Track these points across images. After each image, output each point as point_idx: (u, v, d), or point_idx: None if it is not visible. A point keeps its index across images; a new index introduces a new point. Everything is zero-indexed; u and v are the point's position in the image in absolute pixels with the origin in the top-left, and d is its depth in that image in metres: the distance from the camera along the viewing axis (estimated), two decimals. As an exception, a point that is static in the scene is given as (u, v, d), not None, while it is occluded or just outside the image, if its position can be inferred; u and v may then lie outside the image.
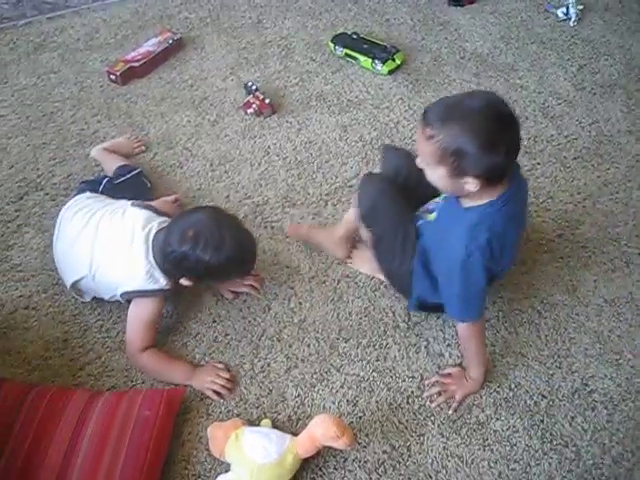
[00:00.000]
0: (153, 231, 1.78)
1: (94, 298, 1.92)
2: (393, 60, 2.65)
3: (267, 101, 2.45)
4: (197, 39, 2.88)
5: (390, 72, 2.65)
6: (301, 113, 2.50)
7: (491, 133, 1.44)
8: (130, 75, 2.66)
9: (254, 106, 2.46)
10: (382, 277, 1.93)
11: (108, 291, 1.84)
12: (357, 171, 2.27)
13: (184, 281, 1.73)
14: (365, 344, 1.83)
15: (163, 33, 2.81)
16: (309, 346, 1.82)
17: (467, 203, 1.58)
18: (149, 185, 2.17)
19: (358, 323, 1.87)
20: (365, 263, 1.97)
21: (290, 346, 1.83)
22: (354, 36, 2.76)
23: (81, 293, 1.91)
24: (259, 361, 1.80)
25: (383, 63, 2.63)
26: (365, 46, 2.70)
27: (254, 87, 2.48)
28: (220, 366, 1.78)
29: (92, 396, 1.67)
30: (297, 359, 1.80)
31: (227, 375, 1.76)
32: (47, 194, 2.25)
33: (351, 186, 2.22)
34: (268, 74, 2.68)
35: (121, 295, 1.79)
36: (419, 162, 1.56)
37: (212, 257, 1.64)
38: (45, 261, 2.04)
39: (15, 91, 2.68)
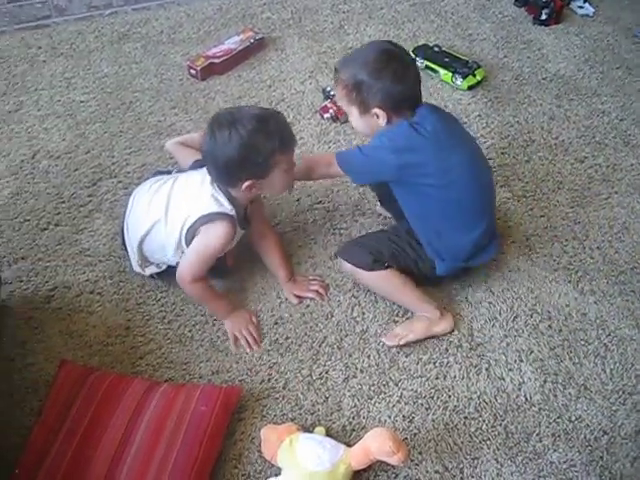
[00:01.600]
0: None
1: (156, 276, 1.97)
2: (473, 76, 2.62)
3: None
4: (278, 40, 2.90)
5: (470, 88, 2.61)
6: (377, 122, 2.48)
7: (378, 62, 1.73)
8: (210, 71, 2.69)
9: (331, 111, 2.46)
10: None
11: (176, 236, 1.83)
12: (430, 185, 2.24)
13: (246, 185, 1.73)
14: (425, 360, 1.80)
15: (245, 32, 2.83)
16: (369, 357, 1.80)
17: None
18: None
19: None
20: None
21: (350, 355, 1.81)
22: (436, 48, 2.74)
23: (144, 260, 1.94)
24: (318, 367, 1.78)
25: (463, 78, 2.60)
26: (446, 59, 2.67)
27: (332, 92, 2.47)
28: (254, 320, 1.89)
29: (150, 386, 1.68)
30: (356, 369, 1.78)
31: (255, 333, 1.85)
32: (120, 182, 2.28)
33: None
34: (347, 80, 2.67)
35: (188, 229, 1.79)
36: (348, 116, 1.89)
37: (244, 134, 1.67)
38: (113, 247, 2.07)
39: (97, 78, 2.74)
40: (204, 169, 1.81)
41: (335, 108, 2.44)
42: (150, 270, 1.95)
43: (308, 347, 1.83)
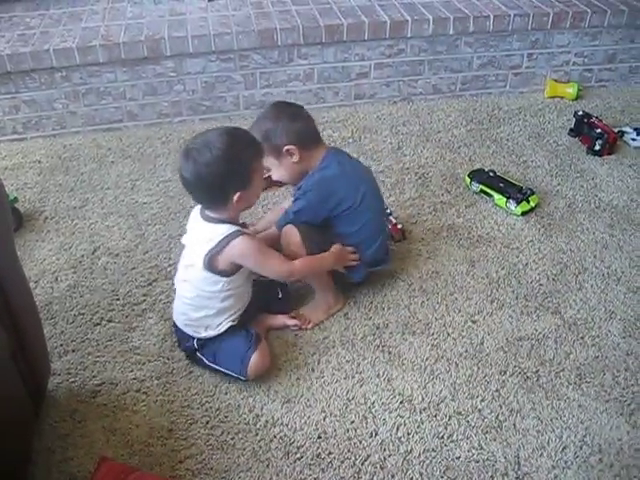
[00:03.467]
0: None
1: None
2: (527, 202, 2.66)
3: (399, 226, 2.49)
4: (337, 156, 2.98)
5: (523, 213, 2.65)
6: (431, 242, 2.52)
7: (274, 111, 2.13)
8: (268, 183, 2.74)
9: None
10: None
11: (205, 278, 1.94)
12: (481, 308, 2.24)
13: (237, 198, 1.87)
14: (470, 488, 1.75)
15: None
16: (412, 479, 1.76)
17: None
18: None
19: (465, 464, 1.79)
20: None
21: (392, 476, 1.76)
22: (491, 173, 2.79)
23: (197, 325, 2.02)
24: (359, 487, 1.75)
25: (517, 204, 2.63)
26: (501, 185, 2.72)
27: (388, 211, 2.52)
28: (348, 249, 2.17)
29: (188, 492, 1.66)
30: (398, 491, 1.74)
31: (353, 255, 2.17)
32: (174, 284, 2.32)
33: (474, 321, 2.20)
34: (403, 200, 2.74)
35: (208, 263, 1.91)
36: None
37: (224, 149, 1.82)
38: (163, 348, 2.10)
39: (160, 182, 2.85)
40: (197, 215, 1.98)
41: (390, 226, 2.47)
42: (207, 333, 2.01)
43: (350, 464, 1.79)
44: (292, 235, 2.10)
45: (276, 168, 2.14)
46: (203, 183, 1.85)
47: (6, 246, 1.70)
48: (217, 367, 2.00)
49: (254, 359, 1.96)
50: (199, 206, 2.00)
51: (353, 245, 2.18)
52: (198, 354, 2.02)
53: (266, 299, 2.19)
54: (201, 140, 1.86)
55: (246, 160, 1.88)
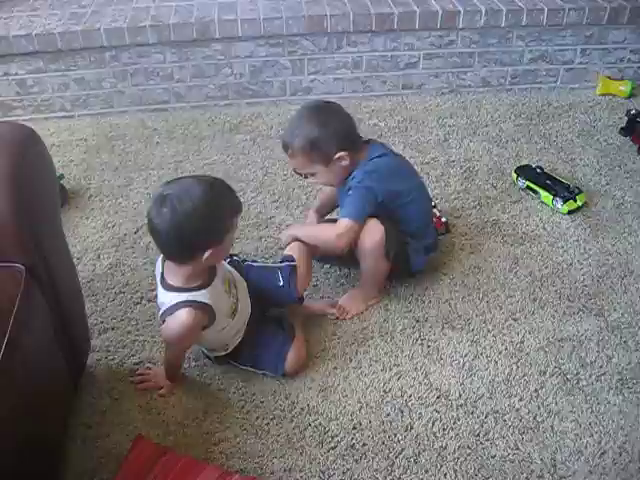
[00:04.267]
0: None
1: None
2: (574, 200, 2.60)
3: (443, 219, 2.46)
4: (382, 147, 2.96)
5: (570, 212, 2.60)
6: (474, 237, 2.49)
7: (318, 115, 2.02)
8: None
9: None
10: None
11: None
12: (522, 306, 2.21)
13: (209, 254, 1.70)
14: (504, 488, 1.73)
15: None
16: (445, 475, 1.74)
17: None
18: None
19: (500, 464, 1.76)
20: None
21: (426, 471, 1.75)
22: (538, 170, 2.74)
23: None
24: (392, 480, 1.74)
25: (564, 202, 2.59)
26: (548, 182, 2.67)
27: (432, 203, 2.49)
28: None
29: (221, 475, 1.67)
30: (431, 487, 1.73)
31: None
32: (215, 266, 2.33)
33: (515, 319, 2.16)
34: (448, 193, 2.71)
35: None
36: (310, 180, 2.18)
37: (207, 201, 1.66)
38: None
39: (205, 164, 2.86)
40: None
41: (434, 219, 2.41)
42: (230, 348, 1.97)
43: (384, 457, 1.78)
44: (376, 232, 2.04)
45: (323, 174, 2.08)
46: (178, 234, 1.65)
47: (54, 222, 1.72)
48: (253, 369, 1.98)
49: (291, 356, 1.94)
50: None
51: (415, 233, 2.16)
52: (231, 362, 2.00)
53: (269, 290, 2.05)
54: (179, 187, 1.68)
55: (225, 215, 1.73)
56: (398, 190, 2.07)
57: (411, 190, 2.12)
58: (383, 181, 2.04)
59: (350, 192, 2.04)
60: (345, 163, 2.03)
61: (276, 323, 2.05)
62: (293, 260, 2.05)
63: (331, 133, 1.99)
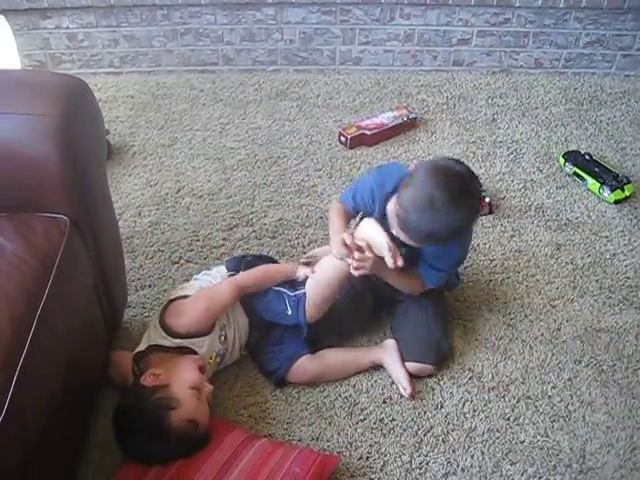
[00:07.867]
0: None
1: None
2: (622, 190, 2.55)
3: (487, 200, 2.42)
4: (430, 122, 2.93)
5: (616, 202, 2.54)
6: (517, 220, 2.45)
7: (461, 203, 1.63)
8: (359, 141, 2.74)
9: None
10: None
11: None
12: (562, 294, 2.18)
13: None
14: (531, 473, 1.71)
15: (399, 109, 2.88)
16: (472, 457, 1.74)
17: None
18: None
19: (529, 450, 1.76)
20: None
21: (454, 451, 1.75)
22: (586, 156, 2.69)
23: None
24: (419, 456, 1.73)
25: (611, 191, 2.53)
26: (596, 169, 2.62)
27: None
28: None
29: (249, 437, 1.68)
30: (457, 466, 1.72)
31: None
32: (254, 232, 2.33)
33: (554, 306, 2.13)
34: (493, 173, 2.67)
35: None
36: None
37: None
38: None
39: (250, 129, 2.84)
40: None
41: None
42: None
43: (412, 433, 1.78)
44: None
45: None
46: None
47: (100, 176, 1.73)
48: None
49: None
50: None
51: None
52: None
53: (276, 312, 1.90)
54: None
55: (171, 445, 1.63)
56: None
57: None
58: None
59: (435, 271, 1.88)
60: None
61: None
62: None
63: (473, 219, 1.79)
